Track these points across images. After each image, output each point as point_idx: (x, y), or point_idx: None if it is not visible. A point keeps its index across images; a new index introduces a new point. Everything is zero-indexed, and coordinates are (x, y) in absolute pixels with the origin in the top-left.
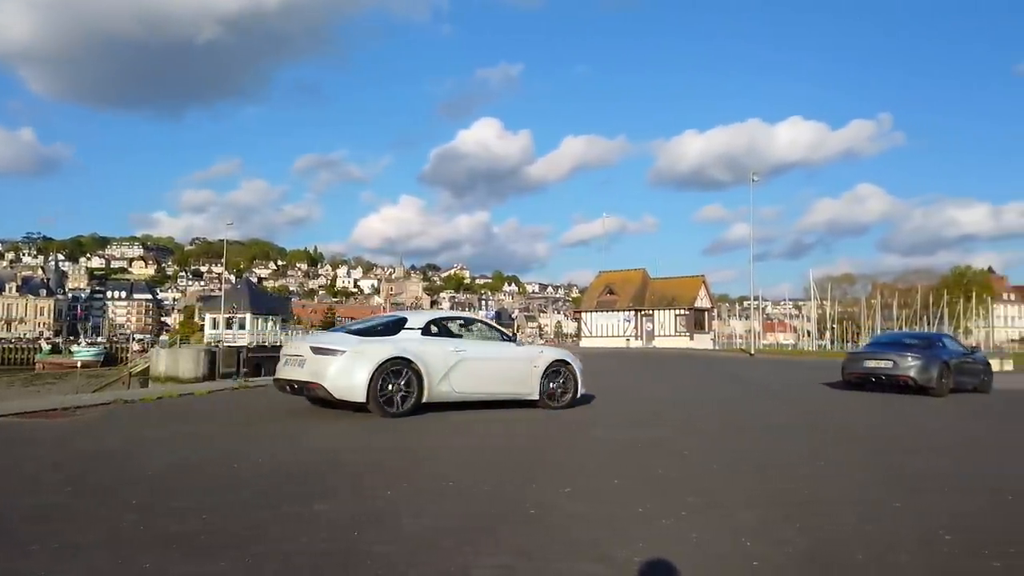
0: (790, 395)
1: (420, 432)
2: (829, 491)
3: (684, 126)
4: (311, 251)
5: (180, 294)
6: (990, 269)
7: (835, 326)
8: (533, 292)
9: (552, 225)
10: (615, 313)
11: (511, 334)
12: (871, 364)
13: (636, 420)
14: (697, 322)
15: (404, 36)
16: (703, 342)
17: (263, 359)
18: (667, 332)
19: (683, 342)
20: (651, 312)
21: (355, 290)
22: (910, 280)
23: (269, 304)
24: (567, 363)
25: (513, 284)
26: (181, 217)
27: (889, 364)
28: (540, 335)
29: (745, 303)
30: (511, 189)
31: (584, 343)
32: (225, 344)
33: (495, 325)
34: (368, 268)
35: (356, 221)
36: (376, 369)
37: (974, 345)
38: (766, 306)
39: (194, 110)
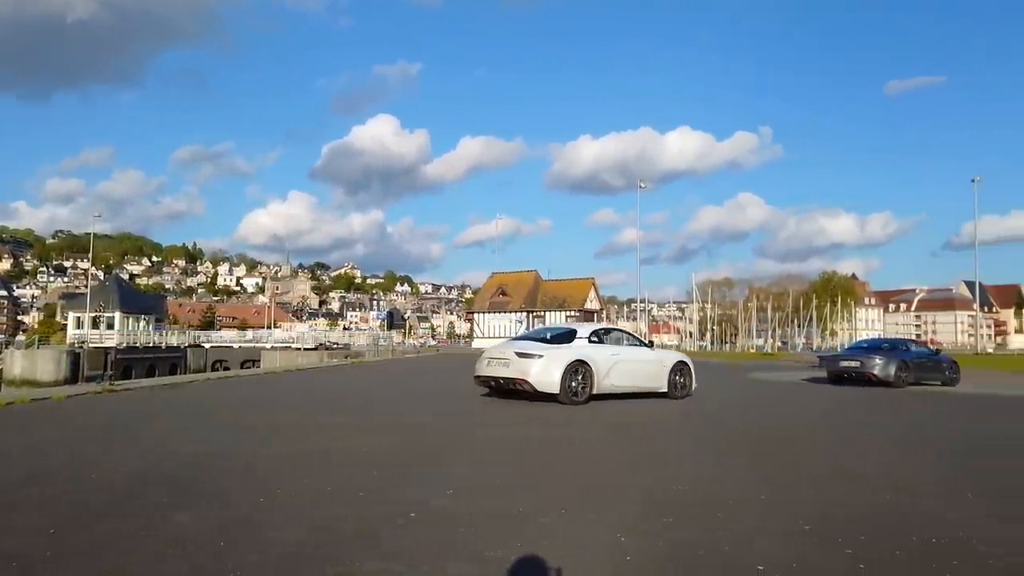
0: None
1: (293, 439)
2: (709, 486)
3: (580, 131)
4: (190, 247)
5: (40, 291)
6: (853, 275)
7: (715, 327)
8: (426, 292)
9: (448, 225)
10: (507, 314)
11: (648, 341)
12: (844, 364)
13: (524, 419)
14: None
15: (298, 27)
16: None
17: (134, 361)
18: None
19: None
20: (542, 313)
21: (237, 288)
22: (783, 284)
23: (142, 303)
24: (686, 363)
25: (406, 284)
26: (43, 208)
27: (857, 364)
28: (432, 336)
29: (632, 305)
30: (407, 188)
31: (476, 344)
32: (91, 345)
33: (634, 334)
34: (252, 266)
35: (241, 217)
36: (565, 369)
37: (937, 348)
38: (652, 308)
39: (63, 93)
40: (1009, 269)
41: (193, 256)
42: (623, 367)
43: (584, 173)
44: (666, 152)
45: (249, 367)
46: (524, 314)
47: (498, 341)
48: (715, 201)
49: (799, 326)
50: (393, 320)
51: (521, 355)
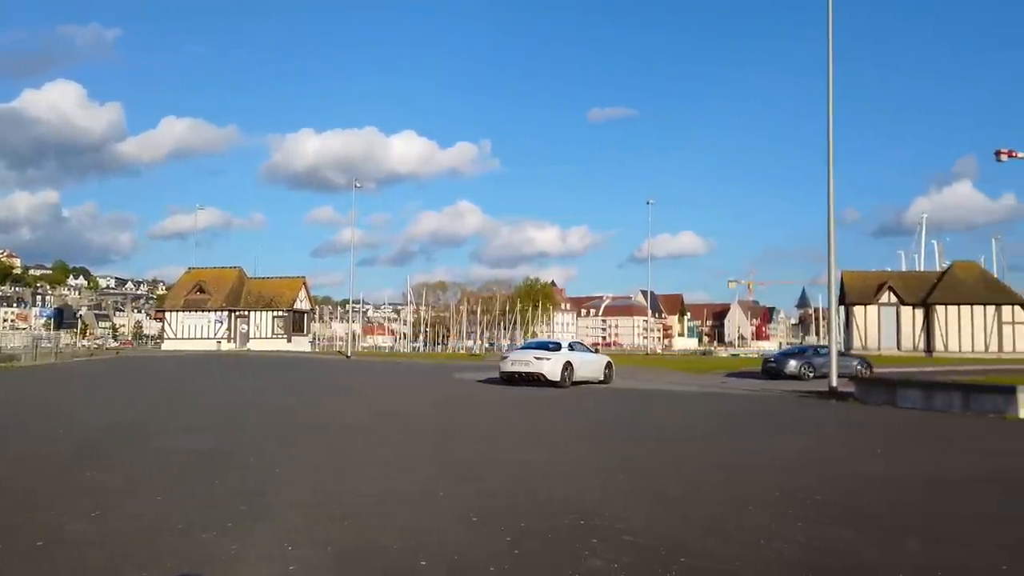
0: (369, 393)
1: None
2: (385, 484)
3: (301, 124)
4: None
5: None
6: (553, 283)
7: (428, 329)
8: (108, 287)
9: (142, 213)
10: (206, 313)
11: (595, 349)
12: (768, 364)
13: (195, 428)
14: (296, 324)
15: None
16: (302, 344)
17: None
18: (264, 334)
19: (281, 344)
20: (247, 313)
21: None
22: (492, 289)
23: None
24: (611, 363)
25: (81, 277)
26: None
27: (775, 363)
28: (114, 337)
29: (347, 306)
30: (92, 168)
31: (168, 346)
32: None
33: (586, 344)
34: None
35: None
36: (562, 366)
37: (844, 350)
38: (368, 309)
39: None
40: (677, 280)
41: None
42: (585, 366)
43: (304, 168)
44: (391, 154)
45: None
46: (225, 313)
47: (194, 343)
48: (435, 207)
49: (505, 328)
50: (63, 318)
51: (538, 358)
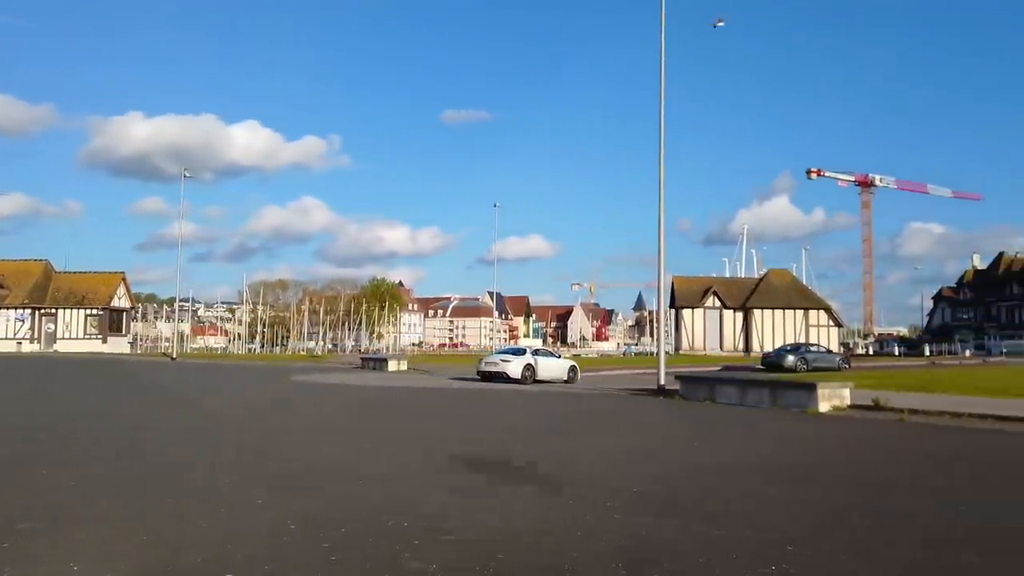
0: (189, 396)
1: None
2: (196, 495)
3: (129, 106)
4: None
5: None
6: (400, 283)
7: (266, 330)
8: None
9: None
10: (4, 311)
11: (558, 354)
12: (769, 359)
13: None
14: (113, 323)
15: None
16: (120, 345)
17: None
18: (74, 334)
19: (95, 345)
20: (54, 311)
21: None
22: (337, 288)
23: None
24: (575, 366)
25: None
26: None
27: (775, 358)
28: None
29: (174, 304)
30: None
31: None
32: None
33: (551, 350)
34: None
35: None
36: (523, 367)
37: (829, 348)
38: (199, 308)
39: None
40: (524, 282)
41: None
42: (548, 368)
43: (131, 154)
44: (231, 144)
45: None
46: (28, 311)
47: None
48: (279, 201)
49: (350, 329)
50: None
51: (505, 360)
